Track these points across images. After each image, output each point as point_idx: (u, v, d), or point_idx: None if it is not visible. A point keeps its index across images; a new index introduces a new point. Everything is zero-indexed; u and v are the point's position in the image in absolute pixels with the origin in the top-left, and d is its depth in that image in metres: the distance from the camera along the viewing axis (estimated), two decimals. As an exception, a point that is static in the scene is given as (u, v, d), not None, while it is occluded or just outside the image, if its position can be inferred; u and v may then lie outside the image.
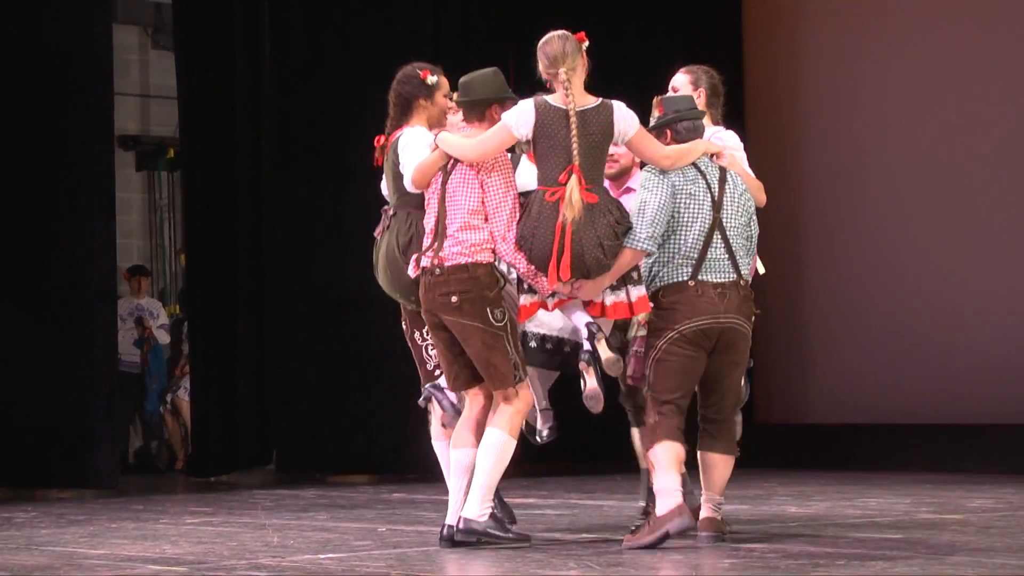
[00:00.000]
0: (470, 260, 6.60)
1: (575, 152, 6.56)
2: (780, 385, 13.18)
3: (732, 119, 13.33)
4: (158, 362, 14.08)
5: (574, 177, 6.55)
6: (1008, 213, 11.99)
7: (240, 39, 12.55)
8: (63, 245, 10.93)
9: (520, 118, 6.63)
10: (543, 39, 6.81)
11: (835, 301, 12.90)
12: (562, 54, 6.71)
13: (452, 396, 6.87)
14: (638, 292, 6.73)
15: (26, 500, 10.37)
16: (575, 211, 6.51)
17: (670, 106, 6.93)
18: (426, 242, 6.72)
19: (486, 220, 6.65)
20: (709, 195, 6.78)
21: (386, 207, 6.98)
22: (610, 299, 6.73)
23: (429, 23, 12.17)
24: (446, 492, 6.89)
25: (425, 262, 6.66)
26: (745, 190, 6.94)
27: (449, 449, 6.85)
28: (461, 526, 6.63)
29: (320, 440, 12.02)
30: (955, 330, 12.15)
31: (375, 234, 6.97)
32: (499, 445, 6.61)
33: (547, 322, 7.05)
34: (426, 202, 6.78)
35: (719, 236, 6.77)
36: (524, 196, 6.74)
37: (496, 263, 6.69)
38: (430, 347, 6.95)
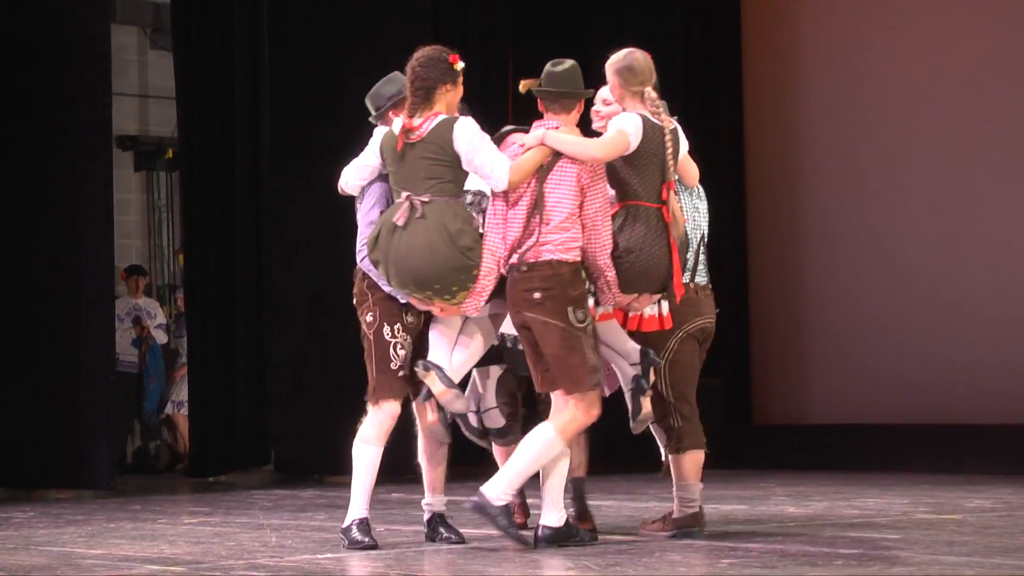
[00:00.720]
0: (555, 257, 6.57)
1: (671, 170, 6.71)
2: (779, 386, 13.20)
3: (731, 120, 13.45)
4: (156, 362, 14.08)
5: (672, 194, 6.71)
6: (1008, 213, 11.99)
7: (239, 40, 12.54)
8: (61, 245, 10.93)
9: (636, 132, 6.66)
10: (621, 55, 6.82)
11: (833, 302, 12.91)
12: (649, 71, 6.80)
13: (448, 373, 6.73)
14: (667, 307, 6.95)
15: (24, 500, 10.37)
16: (680, 228, 6.72)
17: None
18: (505, 238, 6.61)
19: (582, 224, 6.62)
20: (702, 203, 7.22)
21: (410, 194, 6.59)
22: (648, 312, 6.93)
23: (428, 24, 12.17)
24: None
25: (513, 259, 6.59)
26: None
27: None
28: (475, 498, 6.58)
29: (318, 440, 12.01)
30: (954, 330, 12.15)
31: (396, 220, 6.57)
32: (546, 442, 6.57)
33: None
34: (509, 200, 6.62)
35: (704, 242, 7.16)
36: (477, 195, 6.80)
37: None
38: (399, 346, 6.78)
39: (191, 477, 12.54)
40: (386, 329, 6.78)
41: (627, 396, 6.87)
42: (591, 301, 6.75)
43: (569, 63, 6.75)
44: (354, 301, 6.93)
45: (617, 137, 6.64)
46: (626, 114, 6.73)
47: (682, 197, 7.07)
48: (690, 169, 7.05)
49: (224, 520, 8.62)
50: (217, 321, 12.53)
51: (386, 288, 6.76)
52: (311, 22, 12.29)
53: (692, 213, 7.11)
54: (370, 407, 6.81)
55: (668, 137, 6.69)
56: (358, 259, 6.89)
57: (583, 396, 6.56)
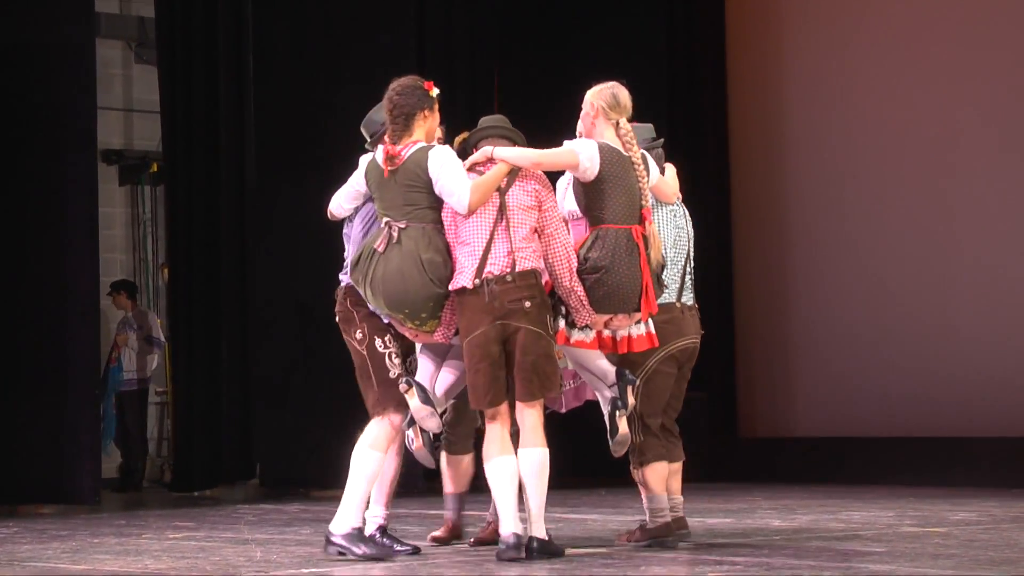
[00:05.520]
0: (536, 267, 6.71)
1: (644, 196, 6.87)
2: (764, 399, 13.20)
3: (716, 134, 13.47)
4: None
5: (650, 218, 6.88)
6: (991, 227, 12.02)
7: (223, 54, 12.56)
8: (46, 259, 10.91)
9: (590, 156, 6.79)
10: (604, 86, 6.96)
11: (818, 316, 12.92)
12: (628, 105, 6.96)
13: (428, 391, 6.80)
14: (652, 325, 7.01)
15: (8, 516, 10.33)
16: (657, 250, 6.85)
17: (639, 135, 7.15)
18: (471, 258, 6.67)
19: (543, 243, 6.76)
20: (686, 223, 7.30)
21: (389, 220, 6.76)
22: (636, 331, 6.96)
23: (413, 39, 12.18)
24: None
25: (490, 271, 6.65)
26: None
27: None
28: (536, 547, 6.66)
29: (303, 454, 12.01)
30: (938, 344, 12.17)
31: (376, 247, 6.72)
32: (545, 464, 6.74)
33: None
34: (473, 217, 6.71)
35: (689, 262, 7.27)
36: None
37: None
38: (393, 355, 6.90)
39: (176, 491, 12.51)
40: (378, 342, 6.91)
41: (606, 418, 6.89)
42: (562, 322, 6.87)
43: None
44: (337, 319, 7.06)
45: (564, 153, 6.81)
46: (583, 140, 6.89)
47: (662, 215, 7.16)
48: (665, 188, 7.17)
49: (209, 535, 8.60)
50: (202, 334, 12.52)
51: (370, 306, 6.88)
52: (296, 37, 12.30)
53: (675, 232, 7.19)
54: (376, 419, 6.90)
55: (639, 165, 6.85)
56: (343, 278, 6.99)
57: (542, 400, 6.73)
